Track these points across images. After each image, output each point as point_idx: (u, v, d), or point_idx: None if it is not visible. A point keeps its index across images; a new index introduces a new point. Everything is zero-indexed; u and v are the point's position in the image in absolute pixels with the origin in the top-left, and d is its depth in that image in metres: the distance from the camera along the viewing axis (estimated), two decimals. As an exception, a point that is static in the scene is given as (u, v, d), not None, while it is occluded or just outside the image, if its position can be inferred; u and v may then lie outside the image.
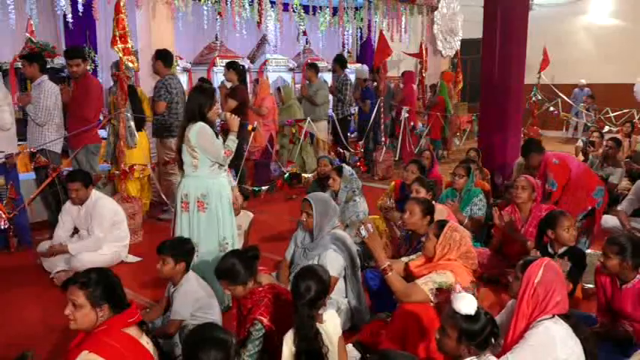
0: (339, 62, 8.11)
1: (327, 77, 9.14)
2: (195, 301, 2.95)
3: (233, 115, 3.60)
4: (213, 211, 3.47)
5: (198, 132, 3.36)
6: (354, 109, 8.59)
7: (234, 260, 2.70)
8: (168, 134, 5.72)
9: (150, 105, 5.89)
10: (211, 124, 3.44)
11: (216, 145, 3.41)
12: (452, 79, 10.13)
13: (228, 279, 2.68)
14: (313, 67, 7.72)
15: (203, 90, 3.53)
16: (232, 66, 6.47)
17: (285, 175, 7.13)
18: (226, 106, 6.37)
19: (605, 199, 4.69)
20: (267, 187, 6.73)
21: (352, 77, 9.25)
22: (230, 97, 6.35)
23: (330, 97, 8.02)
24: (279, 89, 7.80)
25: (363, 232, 2.85)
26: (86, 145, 5.13)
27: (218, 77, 7.79)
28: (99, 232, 4.27)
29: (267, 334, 2.59)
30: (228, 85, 6.51)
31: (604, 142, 6.70)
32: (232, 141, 3.51)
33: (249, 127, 6.24)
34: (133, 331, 2.22)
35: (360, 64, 10.04)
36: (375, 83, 8.69)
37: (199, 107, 3.39)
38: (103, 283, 2.19)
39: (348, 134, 8.57)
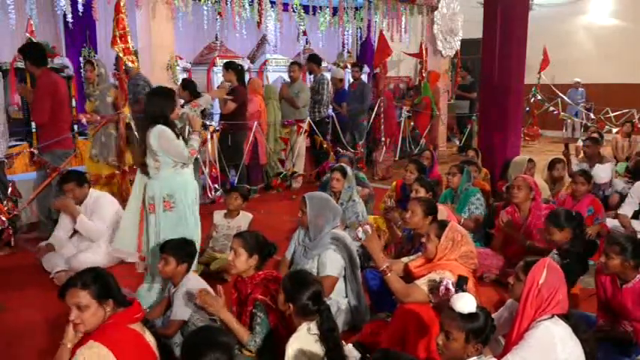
0: (315, 61, 7.77)
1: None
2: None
3: (195, 115, 3.66)
4: (180, 208, 3.53)
5: (159, 136, 3.39)
6: (331, 112, 8.24)
7: (257, 234, 2.91)
8: None
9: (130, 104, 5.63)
10: (172, 126, 3.48)
11: (177, 145, 3.44)
12: (437, 80, 10.14)
13: (242, 238, 2.82)
14: (296, 64, 7.52)
15: (163, 93, 3.58)
16: (231, 66, 6.41)
17: (282, 175, 7.14)
18: (225, 108, 6.35)
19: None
20: (260, 186, 6.76)
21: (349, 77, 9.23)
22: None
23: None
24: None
25: (361, 234, 2.86)
26: (53, 149, 4.95)
27: (218, 77, 7.78)
28: (102, 224, 4.27)
29: (268, 313, 2.66)
30: (227, 85, 6.47)
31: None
32: (195, 140, 3.56)
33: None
34: (137, 327, 2.25)
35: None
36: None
37: (162, 111, 3.44)
38: (101, 280, 2.21)
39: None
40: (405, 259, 3.13)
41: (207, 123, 6.17)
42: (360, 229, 2.89)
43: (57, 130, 4.97)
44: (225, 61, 7.11)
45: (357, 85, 8.41)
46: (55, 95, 4.89)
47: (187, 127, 3.63)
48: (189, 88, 6.05)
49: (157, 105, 3.46)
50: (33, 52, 4.93)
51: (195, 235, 3.63)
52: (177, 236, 3.41)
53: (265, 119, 7.07)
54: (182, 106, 4.35)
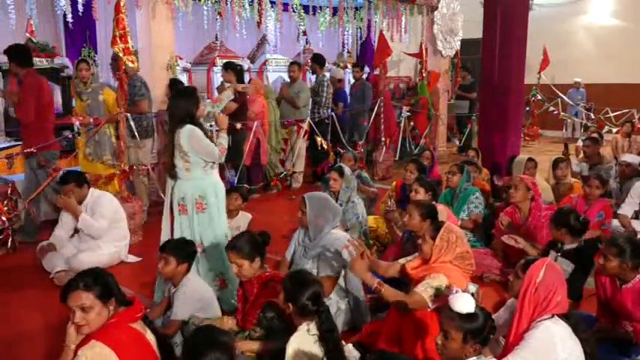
0: (318, 62, 7.75)
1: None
2: (198, 301, 2.97)
3: (222, 114, 3.69)
4: (212, 209, 3.53)
5: (189, 136, 3.38)
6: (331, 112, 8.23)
7: (246, 236, 2.92)
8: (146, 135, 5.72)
9: (128, 104, 5.55)
10: (200, 125, 3.48)
11: (208, 145, 3.44)
12: (438, 80, 10.15)
13: (236, 250, 2.82)
14: (296, 64, 7.49)
15: (185, 92, 3.59)
16: (230, 66, 6.39)
17: (282, 175, 7.13)
18: (226, 108, 6.33)
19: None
20: (259, 185, 6.75)
21: (349, 77, 9.22)
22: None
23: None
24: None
25: (346, 256, 2.84)
26: (40, 152, 4.91)
27: (218, 77, 7.78)
28: (103, 221, 4.28)
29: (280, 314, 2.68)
30: (227, 85, 6.45)
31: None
32: (224, 138, 3.57)
33: (237, 126, 6.19)
34: (138, 326, 2.26)
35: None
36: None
37: (187, 112, 3.44)
38: (102, 280, 2.22)
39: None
40: (402, 261, 3.11)
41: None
42: (344, 250, 2.88)
43: (43, 131, 4.95)
44: (225, 61, 7.10)
45: (359, 86, 8.41)
46: (39, 95, 4.90)
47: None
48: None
49: (181, 106, 3.45)
50: (18, 54, 4.94)
51: (228, 236, 3.63)
52: (213, 236, 3.49)
53: (268, 119, 7.09)
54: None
